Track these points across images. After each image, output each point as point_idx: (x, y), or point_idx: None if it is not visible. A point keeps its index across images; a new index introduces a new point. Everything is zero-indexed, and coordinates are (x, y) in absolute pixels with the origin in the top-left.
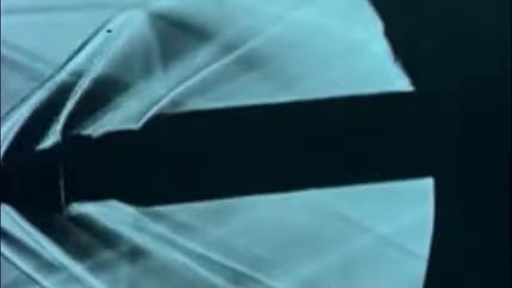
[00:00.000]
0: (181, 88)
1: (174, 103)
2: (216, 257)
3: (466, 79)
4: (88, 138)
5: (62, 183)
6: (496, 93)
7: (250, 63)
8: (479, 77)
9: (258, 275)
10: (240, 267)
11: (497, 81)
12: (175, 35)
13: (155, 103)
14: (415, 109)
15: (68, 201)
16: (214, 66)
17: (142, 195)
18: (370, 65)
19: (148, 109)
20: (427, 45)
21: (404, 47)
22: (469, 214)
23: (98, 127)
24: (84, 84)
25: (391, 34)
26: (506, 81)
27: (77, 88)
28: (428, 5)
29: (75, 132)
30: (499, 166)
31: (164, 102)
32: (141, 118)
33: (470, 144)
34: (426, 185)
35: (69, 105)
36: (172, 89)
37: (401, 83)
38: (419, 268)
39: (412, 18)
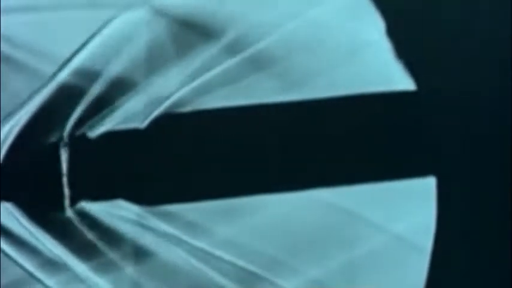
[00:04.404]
0: (187, 87)
1: (180, 102)
2: (224, 256)
3: (466, 79)
4: (93, 137)
5: (65, 181)
6: (496, 93)
7: (256, 62)
8: (480, 77)
9: (268, 275)
10: (249, 267)
11: (498, 81)
12: (181, 34)
13: (161, 102)
14: (418, 109)
15: (71, 199)
16: (221, 65)
17: (148, 195)
18: (373, 65)
19: (153, 108)
20: (429, 45)
21: (407, 47)
22: (470, 212)
23: (103, 126)
24: (88, 84)
25: (395, 34)
26: (507, 81)
27: (80, 87)
28: (431, 5)
29: (79, 131)
30: (499, 166)
31: (170, 101)
32: (146, 117)
33: (470, 144)
34: (429, 184)
35: (73, 104)
36: (178, 88)
37: (405, 83)
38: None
39: (415, 18)
